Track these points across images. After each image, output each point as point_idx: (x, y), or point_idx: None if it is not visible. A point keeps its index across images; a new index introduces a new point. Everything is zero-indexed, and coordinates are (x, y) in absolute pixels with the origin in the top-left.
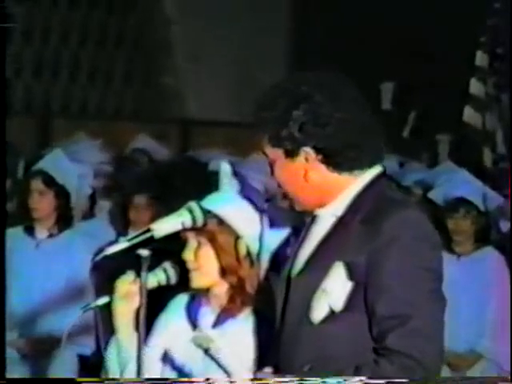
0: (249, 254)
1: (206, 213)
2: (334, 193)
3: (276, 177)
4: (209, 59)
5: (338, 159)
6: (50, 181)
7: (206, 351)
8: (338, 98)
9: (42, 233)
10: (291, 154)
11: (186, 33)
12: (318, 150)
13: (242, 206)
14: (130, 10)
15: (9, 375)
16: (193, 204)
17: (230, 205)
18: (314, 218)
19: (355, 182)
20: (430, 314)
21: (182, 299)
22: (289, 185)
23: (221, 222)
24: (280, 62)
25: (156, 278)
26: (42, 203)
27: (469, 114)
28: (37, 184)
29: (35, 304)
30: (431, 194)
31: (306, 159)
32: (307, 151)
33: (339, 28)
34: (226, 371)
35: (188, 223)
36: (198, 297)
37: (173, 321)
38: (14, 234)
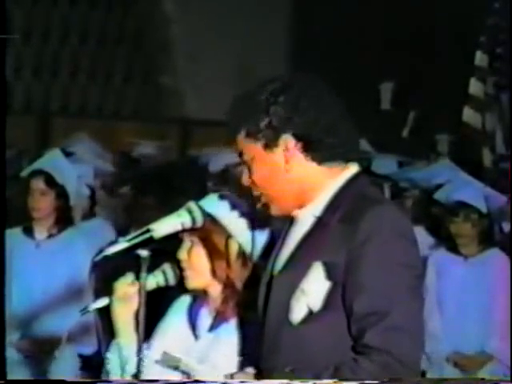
0: (241, 254)
1: (206, 213)
2: (312, 190)
3: (254, 177)
4: (209, 59)
5: (318, 146)
6: (51, 181)
7: (176, 368)
8: (315, 88)
9: (41, 233)
10: (270, 146)
11: (185, 32)
12: (297, 138)
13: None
14: (130, 10)
15: (10, 376)
16: (192, 204)
17: (223, 204)
18: (293, 219)
19: (333, 181)
20: (408, 310)
21: (184, 301)
22: (268, 181)
23: (214, 221)
24: (280, 62)
25: (155, 280)
26: (43, 203)
27: (468, 114)
28: (38, 184)
29: (36, 304)
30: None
31: (286, 148)
32: (287, 139)
33: (339, 28)
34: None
35: (187, 224)
36: (199, 299)
37: (174, 323)
38: (13, 234)
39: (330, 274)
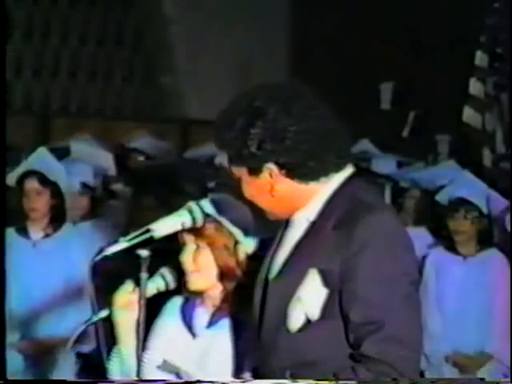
0: (249, 257)
1: (206, 213)
2: (305, 201)
3: (244, 193)
4: (209, 59)
5: (302, 171)
6: (44, 180)
7: (177, 374)
8: (292, 110)
9: (36, 233)
10: (254, 171)
11: (185, 32)
12: (280, 165)
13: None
14: (130, 10)
15: (10, 376)
16: (193, 204)
17: (228, 208)
18: (288, 221)
19: (327, 186)
20: (404, 319)
21: (176, 302)
22: (257, 199)
23: (220, 226)
24: (280, 62)
25: (155, 285)
26: (40, 203)
27: (468, 114)
28: (33, 184)
29: (35, 305)
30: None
31: (270, 175)
32: (270, 167)
33: (339, 28)
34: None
35: (188, 224)
36: (192, 298)
37: (169, 324)
38: (9, 235)
39: (326, 281)
